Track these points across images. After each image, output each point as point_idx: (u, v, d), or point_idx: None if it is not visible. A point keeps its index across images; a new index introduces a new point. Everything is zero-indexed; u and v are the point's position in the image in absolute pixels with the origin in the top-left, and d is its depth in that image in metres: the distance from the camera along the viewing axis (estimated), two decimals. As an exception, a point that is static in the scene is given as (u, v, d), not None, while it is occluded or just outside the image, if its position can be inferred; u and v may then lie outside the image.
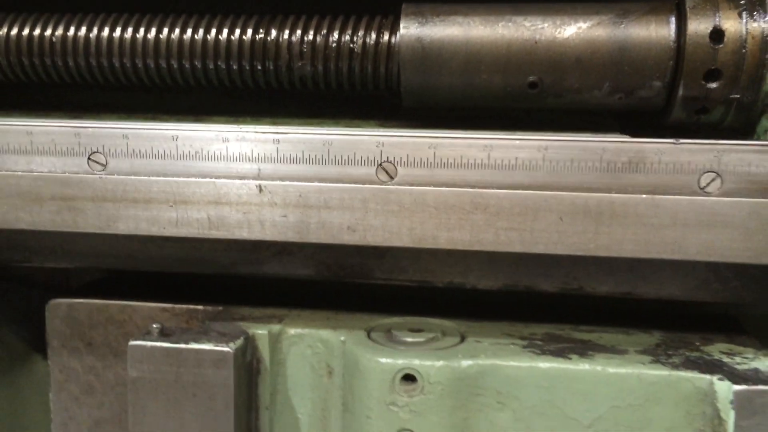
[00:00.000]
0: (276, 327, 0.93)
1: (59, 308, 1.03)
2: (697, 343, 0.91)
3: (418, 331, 0.92)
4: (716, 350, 0.88)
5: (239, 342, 0.88)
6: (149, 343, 0.87)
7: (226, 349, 0.86)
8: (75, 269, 1.19)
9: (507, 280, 0.99)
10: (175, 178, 0.84)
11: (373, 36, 0.87)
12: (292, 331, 0.93)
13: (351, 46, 0.88)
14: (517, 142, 0.80)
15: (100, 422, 1.03)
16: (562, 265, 0.96)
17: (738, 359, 0.85)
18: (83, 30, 0.96)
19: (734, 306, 1.04)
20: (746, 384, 0.78)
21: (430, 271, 1.00)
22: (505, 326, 0.96)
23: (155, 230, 0.85)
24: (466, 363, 0.85)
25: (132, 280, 1.13)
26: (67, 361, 1.02)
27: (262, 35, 0.90)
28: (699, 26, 0.78)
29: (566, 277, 0.98)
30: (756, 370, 0.82)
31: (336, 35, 0.88)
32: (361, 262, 1.01)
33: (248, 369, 0.91)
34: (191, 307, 1.01)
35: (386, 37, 0.87)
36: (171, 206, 0.84)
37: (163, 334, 0.89)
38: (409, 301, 1.05)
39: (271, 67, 0.90)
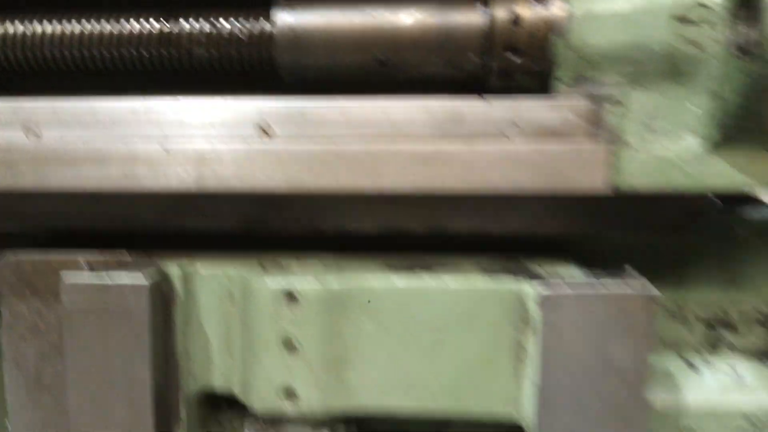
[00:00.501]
0: (188, 265, 1.14)
1: (9, 261, 1.21)
2: (525, 264, 1.14)
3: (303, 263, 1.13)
4: (537, 267, 1.11)
5: (155, 276, 1.08)
6: (80, 279, 1.06)
7: (143, 282, 1.06)
8: (24, 234, 1.37)
9: (383, 224, 1.21)
10: (96, 143, 1.04)
11: (256, 25, 1.08)
12: (201, 267, 1.14)
13: (239, 34, 1.09)
14: (368, 104, 1.02)
15: (44, 355, 1.21)
16: (424, 208, 1.18)
17: (551, 271, 1.08)
18: (19, 26, 1.15)
19: (574, 238, 1.26)
20: (550, 288, 1.01)
21: (321, 219, 1.21)
22: (378, 258, 1.18)
23: (80, 185, 1.05)
24: (336, 282, 1.06)
25: (74, 240, 1.31)
26: (15, 305, 1.21)
27: (167, 27, 1.10)
28: (502, 13, 1.01)
29: (430, 219, 1.20)
30: (561, 278, 1.05)
31: (226, 26, 1.09)
32: (262, 214, 1.22)
33: (164, 299, 1.11)
34: (121, 254, 1.21)
35: (266, 26, 1.08)
36: (93, 165, 1.04)
37: (92, 271, 1.09)
38: (307, 246, 1.26)
39: (175, 53, 1.10)
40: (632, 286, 1.00)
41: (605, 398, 1.01)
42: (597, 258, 1.21)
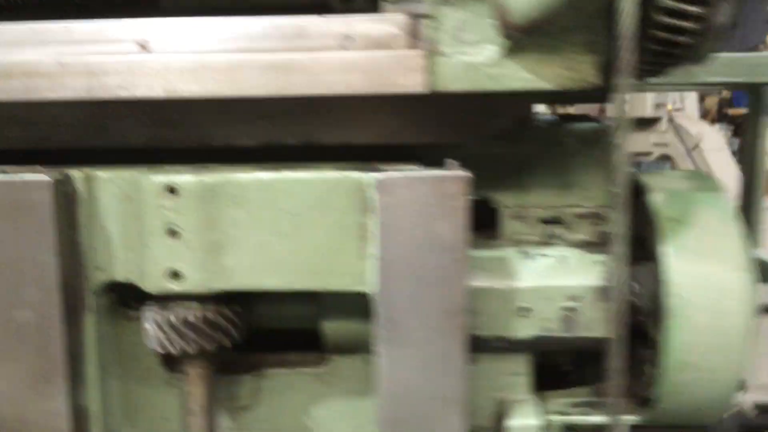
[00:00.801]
0: (89, 170, 1.33)
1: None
2: (376, 165, 1.33)
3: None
4: (383, 166, 1.31)
5: (57, 176, 1.27)
6: (-8, 177, 1.26)
7: (46, 178, 1.25)
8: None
9: (263, 138, 1.41)
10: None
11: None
12: (101, 173, 1.33)
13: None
14: (229, 22, 1.22)
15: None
16: (298, 123, 1.39)
17: (393, 168, 1.28)
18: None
19: (428, 148, 1.45)
20: (383, 174, 1.21)
21: (209, 135, 1.41)
22: (254, 165, 1.37)
23: (-10, 96, 1.24)
24: (210, 177, 1.26)
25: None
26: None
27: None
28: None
29: (303, 133, 1.40)
30: (397, 168, 1.25)
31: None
32: (160, 131, 1.41)
33: (67, 197, 1.30)
34: (34, 167, 1.40)
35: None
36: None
37: (3, 173, 1.28)
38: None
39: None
40: (450, 170, 1.21)
41: (431, 265, 1.22)
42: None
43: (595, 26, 1.11)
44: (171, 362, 1.46)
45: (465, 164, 1.43)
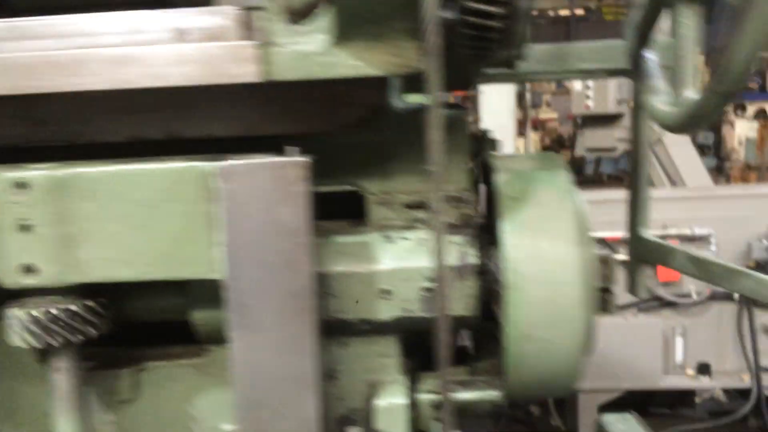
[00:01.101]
0: (-52, 169, 1.35)
1: None
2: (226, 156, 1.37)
3: (46, 165, 1.35)
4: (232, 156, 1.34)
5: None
6: None
7: None
8: None
9: (128, 133, 1.44)
10: None
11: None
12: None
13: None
14: (69, 20, 1.25)
15: None
16: (162, 117, 1.42)
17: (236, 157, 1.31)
18: None
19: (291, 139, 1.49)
20: (225, 162, 1.25)
21: (78, 132, 1.44)
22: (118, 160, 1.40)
23: None
24: (61, 171, 1.29)
25: None
26: None
27: None
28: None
29: (167, 127, 1.43)
30: (240, 157, 1.28)
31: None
32: (30, 130, 1.44)
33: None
34: None
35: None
36: None
37: None
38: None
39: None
40: (289, 156, 1.24)
41: (275, 250, 1.25)
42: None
43: (415, 13, 1.15)
44: (46, 358, 1.48)
45: (330, 153, 1.48)
